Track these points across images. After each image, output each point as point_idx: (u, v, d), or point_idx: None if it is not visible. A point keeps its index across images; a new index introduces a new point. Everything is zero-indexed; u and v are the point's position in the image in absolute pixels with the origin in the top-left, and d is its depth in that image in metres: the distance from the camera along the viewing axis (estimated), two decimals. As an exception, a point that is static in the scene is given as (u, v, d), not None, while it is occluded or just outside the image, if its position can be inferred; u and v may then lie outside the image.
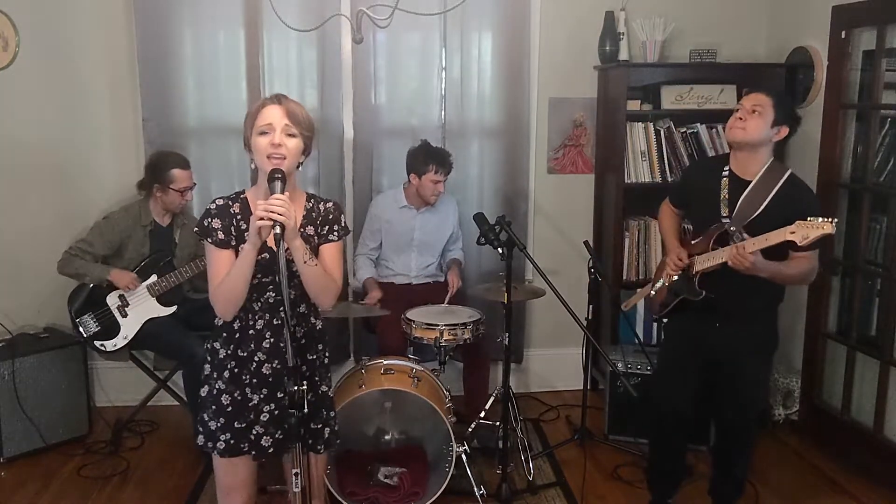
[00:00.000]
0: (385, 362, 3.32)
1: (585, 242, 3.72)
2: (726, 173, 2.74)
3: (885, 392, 3.46)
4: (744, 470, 2.98)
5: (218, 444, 2.23)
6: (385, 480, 3.19)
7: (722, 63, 4.10)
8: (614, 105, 4.08)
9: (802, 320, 3.88)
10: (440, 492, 3.12)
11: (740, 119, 2.69)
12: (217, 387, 2.24)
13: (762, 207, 2.64)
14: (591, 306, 3.73)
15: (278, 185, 2.05)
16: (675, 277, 2.87)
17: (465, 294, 3.85)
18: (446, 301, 3.68)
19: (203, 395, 2.29)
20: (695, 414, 2.95)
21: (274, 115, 2.12)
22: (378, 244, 3.95)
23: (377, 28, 3.87)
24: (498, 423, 3.27)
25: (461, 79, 4.15)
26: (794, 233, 2.42)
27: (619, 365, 3.69)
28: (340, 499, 3.11)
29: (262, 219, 2.00)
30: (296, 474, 2.06)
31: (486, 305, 3.79)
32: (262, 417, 2.24)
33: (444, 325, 3.39)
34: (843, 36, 3.56)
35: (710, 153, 4.03)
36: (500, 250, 3.05)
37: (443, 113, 4.21)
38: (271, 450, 2.25)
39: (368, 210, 4.00)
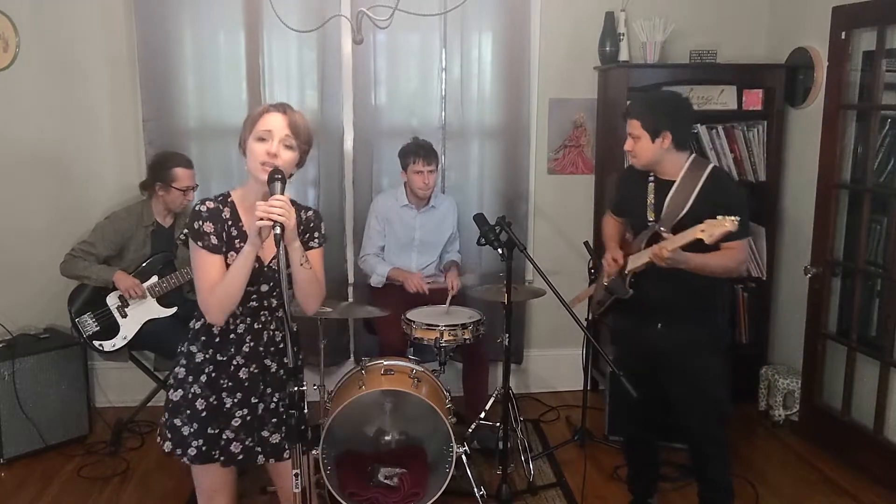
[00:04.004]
0: (385, 363, 3.32)
1: (585, 243, 3.72)
2: (652, 179, 2.83)
3: (885, 393, 3.46)
4: (721, 473, 2.93)
5: (189, 451, 2.20)
6: (385, 481, 3.19)
7: (722, 64, 4.10)
8: (614, 106, 4.07)
9: (802, 321, 3.88)
10: (440, 492, 3.11)
11: (630, 149, 2.80)
12: (192, 391, 2.20)
13: (687, 207, 2.71)
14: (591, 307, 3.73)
15: (278, 185, 2.04)
16: (613, 276, 2.94)
17: (465, 294, 3.85)
18: (448, 303, 3.68)
19: (175, 399, 2.22)
20: (652, 415, 2.98)
21: (276, 123, 2.10)
22: (384, 243, 3.95)
23: (377, 29, 3.87)
24: (498, 424, 3.27)
25: (461, 79, 4.15)
26: (703, 231, 2.49)
27: (620, 365, 3.68)
28: (341, 499, 3.11)
29: (261, 219, 1.99)
30: (296, 475, 2.05)
31: (487, 306, 3.80)
32: (233, 422, 2.21)
33: (445, 326, 3.39)
34: (843, 36, 3.56)
35: (711, 154, 4.03)
36: (500, 251, 3.05)
37: (443, 113, 4.21)
38: (241, 457, 2.22)
39: (370, 209, 3.99)
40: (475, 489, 3.20)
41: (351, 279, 4.27)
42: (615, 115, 4.05)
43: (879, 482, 3.42)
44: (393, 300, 3.70)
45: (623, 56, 4.13)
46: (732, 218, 2.46)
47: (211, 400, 2.20)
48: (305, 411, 2.01)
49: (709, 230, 2.48)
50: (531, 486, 3.41)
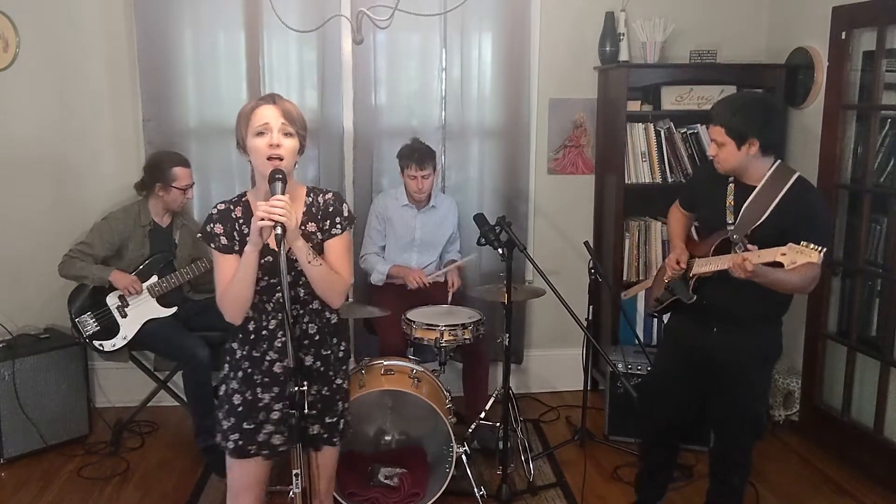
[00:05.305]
0: (385, 363, 3.33)
1: (585, 243, 3.72)
2: (732, 179, 2.71)
3: (885, 392, 3.46)
4: (740, 480, 2.89)
5: (228, 444, 2.24)
6: (385, 481, 3.19)
7: (722, 64, 4.09)
8: (614, 106, 4.08)
9: (803, 321, 3.88)
10: (440, 492, 3.12)
11: (714, 155, 2.68)
12: (231, 386, 2.25)
13: (765, 215, 2.59)
14: (591, 307, 3.73)
15: (279, 185, 2.05)
16: (675, 278, 2.86)
17: (465, 295, 3.85)
18: (449, 301, 3.68)
19: (220, 394, 2.30)
20: (688, 419, 2.93)
21: (270, 115, 2.12)
22: (385, 243, 3.95)
23: (377, 29, 3.87)
24: (498, 424, 3.27)
25: (461, 79, 4.15)
26: (784, 255, 2.38)
27: (620, 366, 3.68)
28: (341, 499, 3.11)
29: (262, 219, 2.00)
30: (296, 475, 2.06)
31: (487, 306, 3.80)
32: (272, 416, 2.24)
33: (445, 326, 3.39)
34: (843, 37, 3.56)
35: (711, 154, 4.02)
36: (500, 251, 3.05)
37: (443, 113, 4.21)
38: (282, 448, 2.25)
39: (371, 208, 3.99)
40: (475, 489, 3.20)
41: (351, 279, 4.26)
42: (615, 115, 4.06)
43: (879, 482, 3.42)
44: (393, 300, 3.70)
45: (623, 56, 4.13)
46: (819, 249, 2.32)
47: (247, 395, 2.23)
48: (306, 411, 2.03)
49: (791, 255, 2.36)
50: (531, 486, 3.41)
